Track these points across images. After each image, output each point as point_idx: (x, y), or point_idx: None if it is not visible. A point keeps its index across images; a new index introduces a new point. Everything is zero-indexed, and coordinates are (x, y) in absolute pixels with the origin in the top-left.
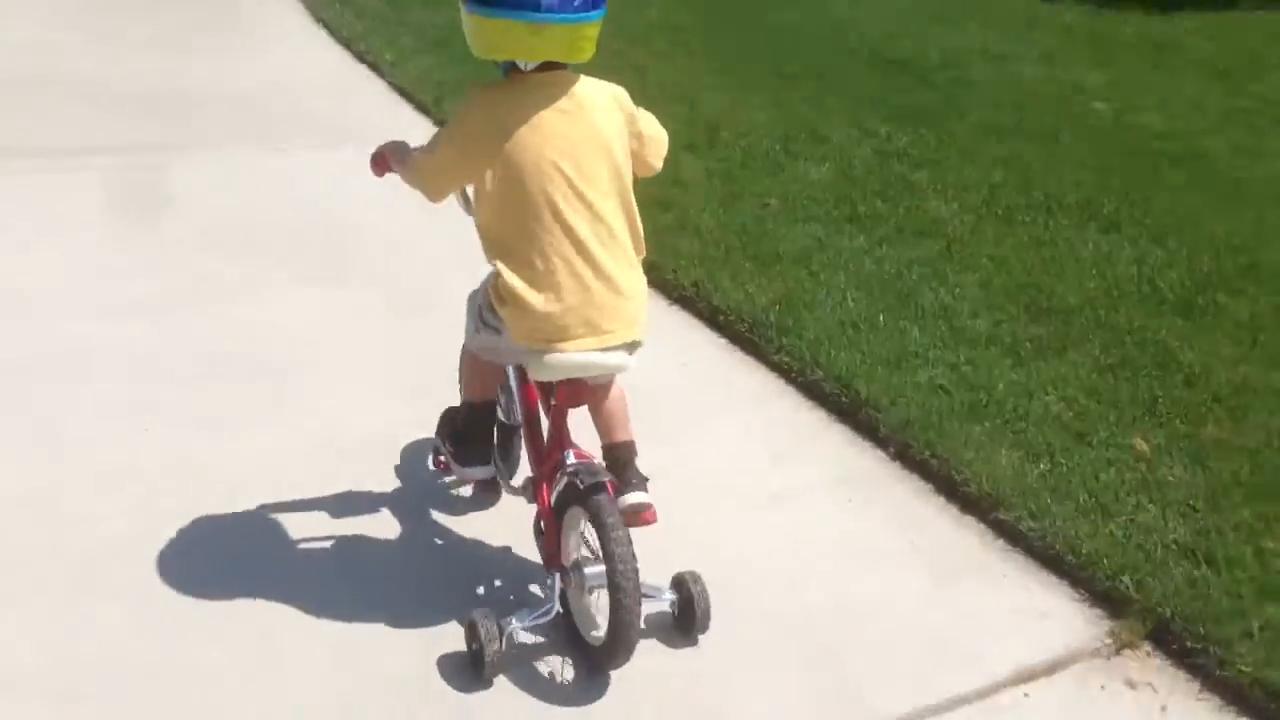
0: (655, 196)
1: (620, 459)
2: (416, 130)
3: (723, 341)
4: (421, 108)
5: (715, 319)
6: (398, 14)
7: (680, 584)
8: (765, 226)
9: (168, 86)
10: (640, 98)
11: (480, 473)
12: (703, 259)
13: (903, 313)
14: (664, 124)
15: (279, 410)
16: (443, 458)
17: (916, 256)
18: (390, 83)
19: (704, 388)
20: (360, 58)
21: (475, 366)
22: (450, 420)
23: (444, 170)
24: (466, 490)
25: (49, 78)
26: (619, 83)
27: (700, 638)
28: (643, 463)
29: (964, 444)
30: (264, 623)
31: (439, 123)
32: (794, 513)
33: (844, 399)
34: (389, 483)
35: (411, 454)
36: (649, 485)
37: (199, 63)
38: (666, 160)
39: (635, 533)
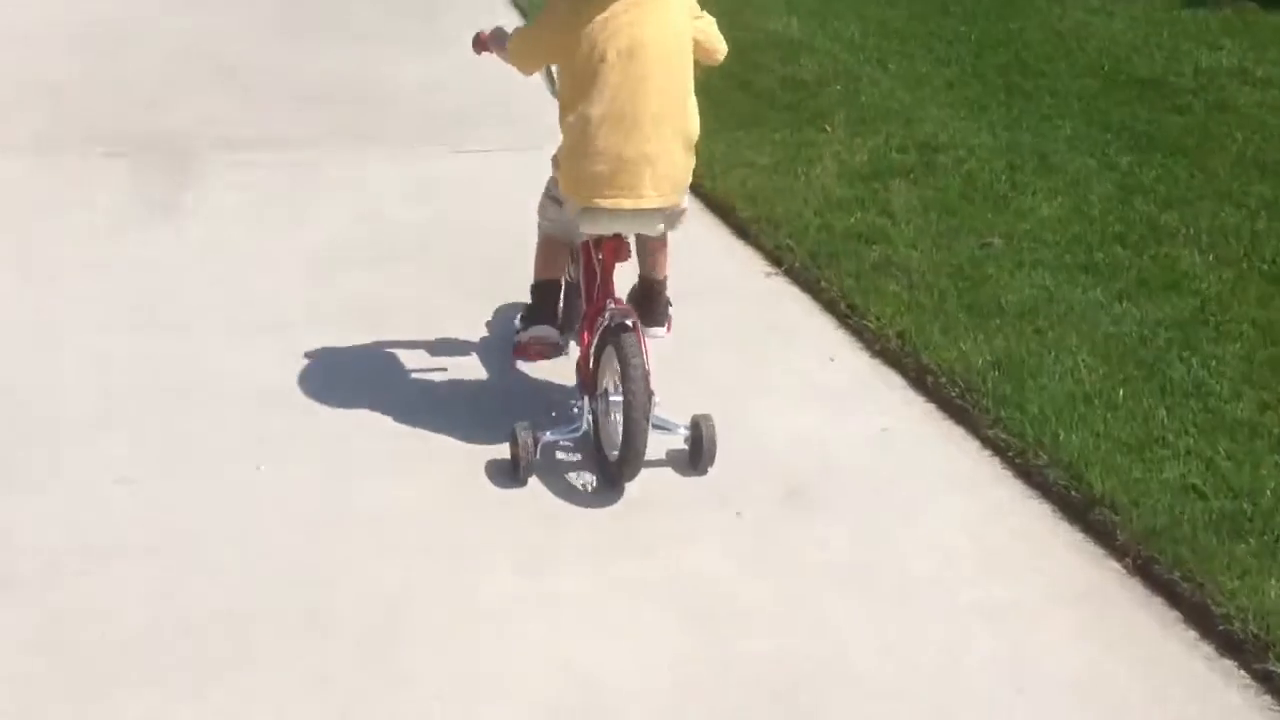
0: (860, 228)
1: (650, 291)
2: None
3: (930, 407)
4: None
5: (922, 379)
6: None
7: (695, 424)
8: (985, 270)
9: (358, 76)
10: (852, 110)
11: (542, 331)
12: (910, 306)
13: (1147, 387)
14: (875, 143)
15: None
16: (518, 325)
17: (1164, 317)
18: None
19: (904, 462)
20: None
21: (543, 249)
22: (526, 305)
23: (533, 52)
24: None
25: (240, 67)
26: (829, 91)
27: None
28: (822, 545)
29: (1223, 566)
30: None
31: None
32: (1005, 635)
33: (1073, 492)
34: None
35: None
36: (671, 313)
37: (388, 50)
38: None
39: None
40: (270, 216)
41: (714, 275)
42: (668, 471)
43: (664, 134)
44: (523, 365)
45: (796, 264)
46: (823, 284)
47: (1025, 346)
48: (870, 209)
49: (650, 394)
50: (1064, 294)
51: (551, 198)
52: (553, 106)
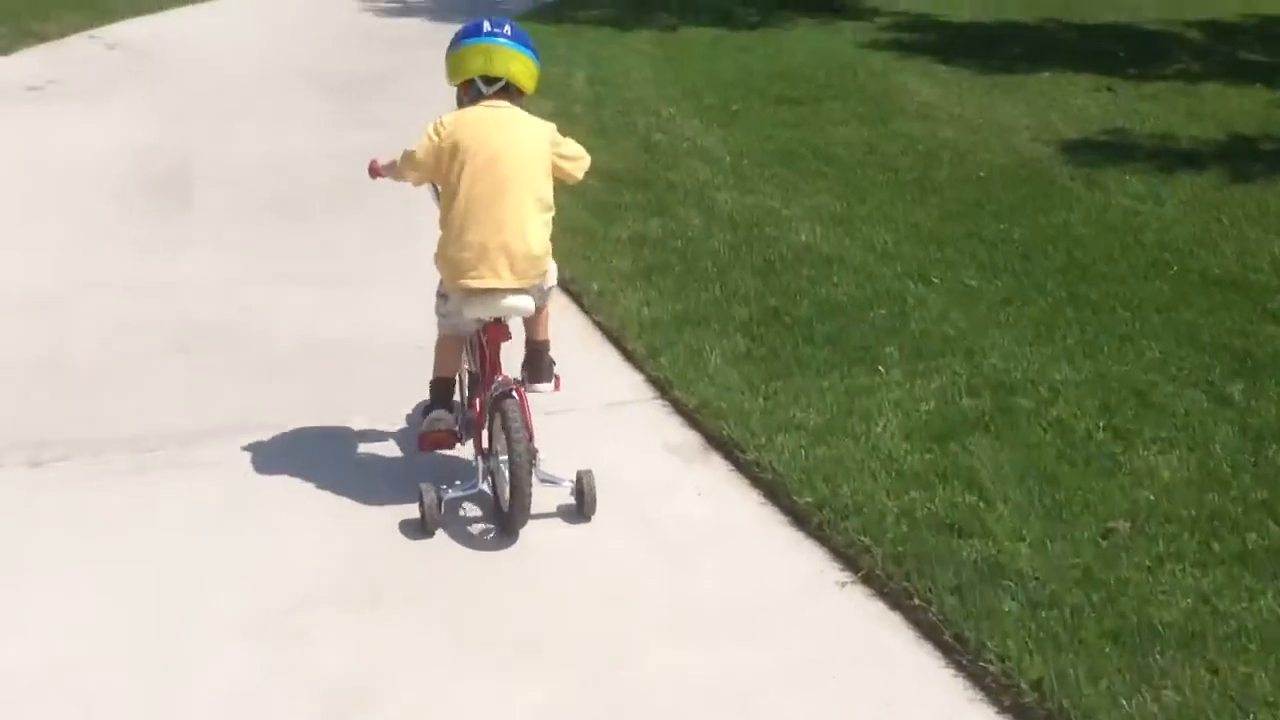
0: (947, 513)
1: (535, 352)
2: (618, 379)
3: None
4: (631, 358)
5: None
6: (605, 227)
7: (579, 477)
8: (1119, 570)
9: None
10: (903, 341)
11: (438, 413)
12: (1037, 637)
13: None
14: (939, 385)
15: None
16: (422, 429)
17: None
18: (593, 320)
19: None
20: (562, 285)
21: (440, 348)
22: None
23: (417, 167)
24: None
25: None
26: (872, 317)
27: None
28: None
29: None
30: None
31: (651, 380)
32: None
33: None
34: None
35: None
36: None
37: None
38: (934, 443)
39: None
40: None
41: (773, 589)
42: (556, 520)
43: (521, 228)
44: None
45: (877, 569)
46: (915, 600)
47: (1208, 701)
48: (953, 482)
49: (533, 452)
50: (1228, 604)
51: (440, 295)
52: None
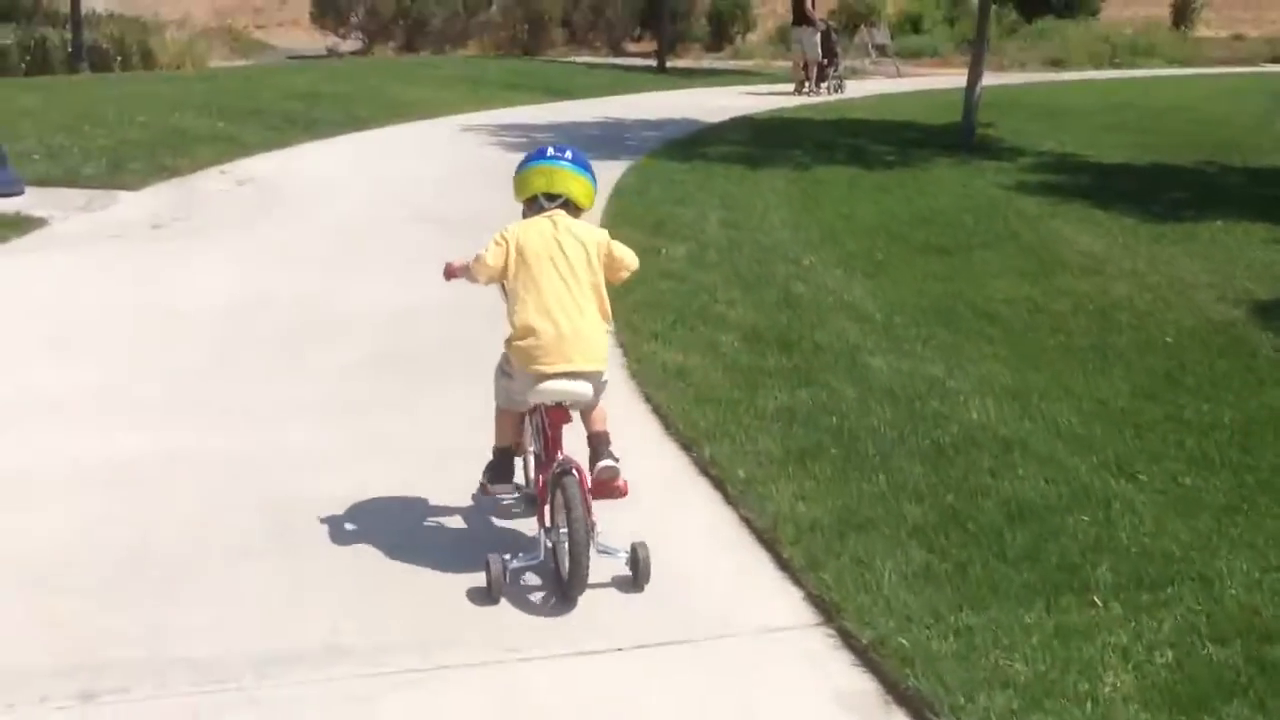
0: None
1: (597, 443)
2: (775, 597)
3: None
4: (787, 567)
5: None
6: (748, 396)
7: (633, 549)
8: None
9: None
10: (1117, 561)
11: (504, 488)
12: None
13: None
14: (1171, 626)
15: None
16: (483, 481)
17: None
18: (740, 515)
19: None
20: (702, 469)
21: (499, 419)
22: (489, 461)
23: (489, 268)
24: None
25: None
26: (1072, 525)
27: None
28: None
29: None
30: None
31: (813, 599)
32: None
33: None
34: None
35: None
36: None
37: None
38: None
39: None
40: None
41: None
42: (611, 590)
43: (581, 322)
44: (496, 514)
45: None
46: None
47: None
48: None
49: (591, 525)
50: None
51: (503, 373)
52: None
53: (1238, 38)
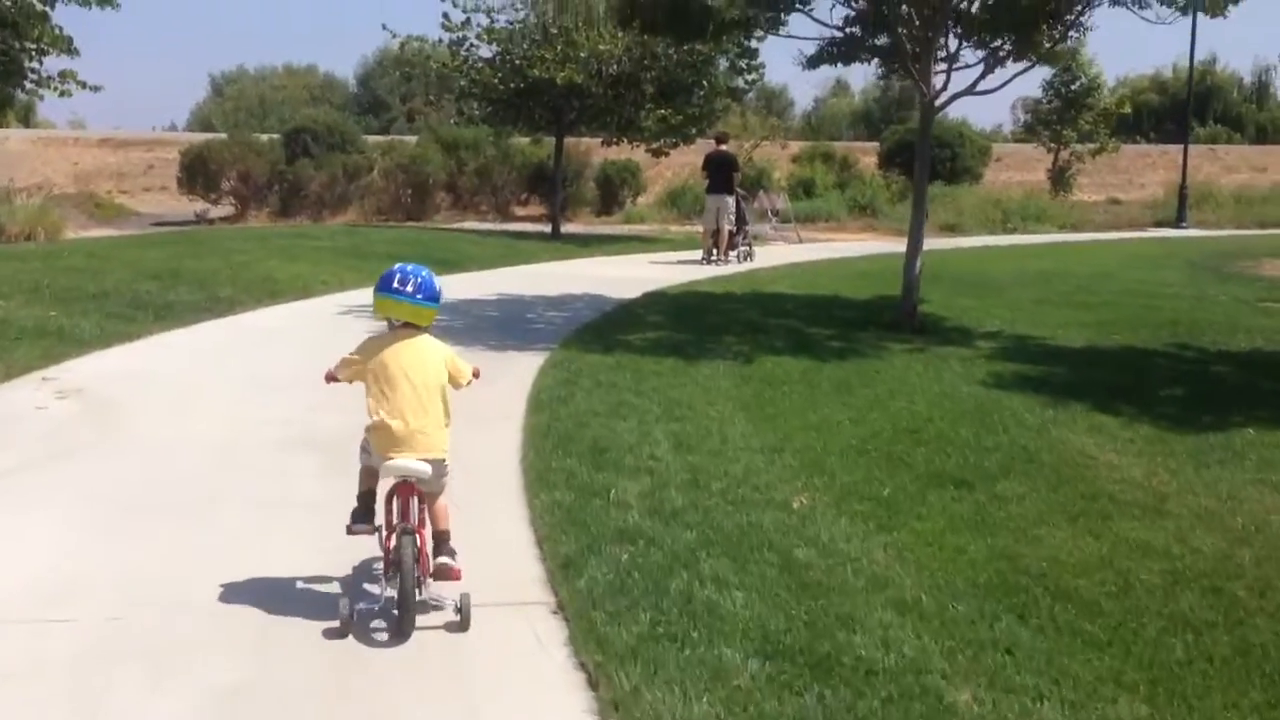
0: None
1: (439, 538)
2: None
3: None
4: None
5: None
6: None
7: (461, 597)
8: None
9: None
10: None
11: (363, 528)
12: None
13: None
14: None
15: None
16: (349, 524)
17: None
18: None
19: None
20: None
21: (362, 474)
22: (353, 508)
23: (350, 370)
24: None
25: None
26: None
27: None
28: None
29: None
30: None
31: None
32: None
33: None
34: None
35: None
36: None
37: None
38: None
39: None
40: None
41: None
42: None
43: (425, 421)
44: (351, 562)
45: None
46: None
47: None
48: None
49: (420, 579)
50: None
51: (364, 449)
52: None
53: (1114, 202)
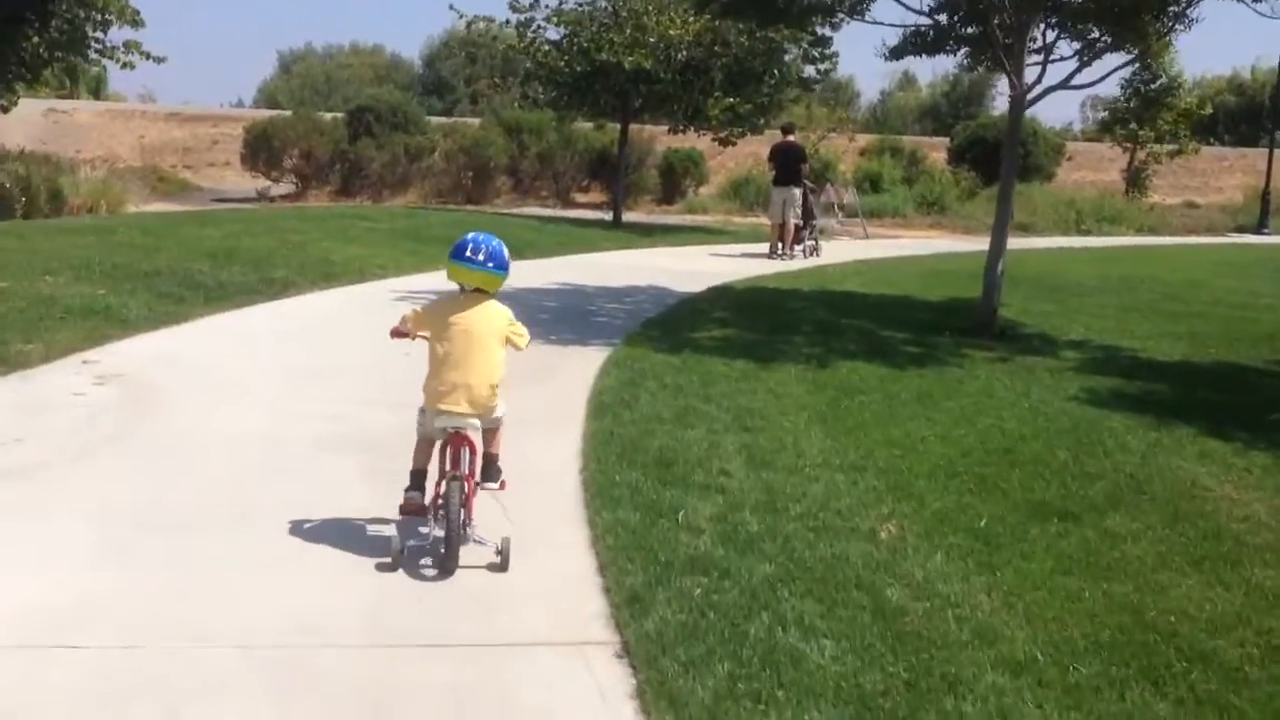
0: None
1: (486, 460)
2: None
3: None
4: None
5: None
6: None
7: (502, 540)
8: None
9: None
10: None
11: (415, 496)
12: None
13: None
14: None
15: None
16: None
17: None
18: None
19: None
20: None
21: (417, 446)
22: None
23: (417, 326)
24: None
25: None
26: None
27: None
28: None
29: None
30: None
31: None
32: None
33: None
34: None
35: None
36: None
37: None
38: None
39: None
40: None
41: None
42: (482, 571)
43: (477, 377)
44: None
45: None
46: None
47: None
48: None
49: (466, 521)
50: None
51: (421, 410)
52: None
53: (1191, 205)
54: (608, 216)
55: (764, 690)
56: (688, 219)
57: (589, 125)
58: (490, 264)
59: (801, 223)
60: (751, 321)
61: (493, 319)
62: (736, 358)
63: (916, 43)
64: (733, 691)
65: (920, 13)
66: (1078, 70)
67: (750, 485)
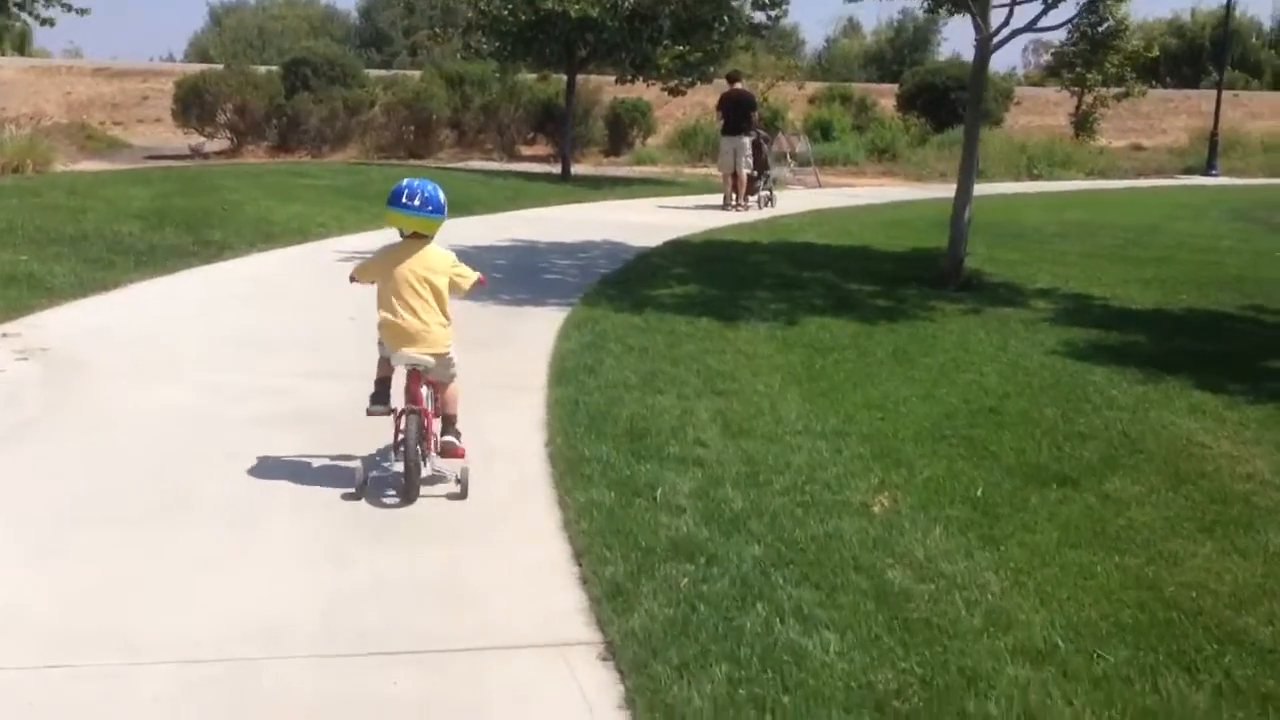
0: None
1: (447, 421)
2: None
3: None
4: None
5: None
6: None
7: (461, 470)
8: None
9: None
10: None
11: (380, 409)
12: None
13: None
14: None
15: None
16: (369, 406)
17: None
18: None
19: None
20: None
21: (379, 364)
22: (372, 392)
23: (366, 273)
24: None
25: None
26: None
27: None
28: None
29: None
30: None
31: None
32: None
33: None
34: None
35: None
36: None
37: None
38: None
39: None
40: None
41: None
42: (442, 499)
43: (426, 317)
44: (366, 440)
45: None
46: None
47: None
48: None
49: (425, 451)
50: None
51: (379, 341)
52: None
53: (1137, 148)
54: (555, 170)
55: (768, 696)
56: (637, 170)
57: (533, 77)
58: (428, 208)
59: (755, 173)
60: (712, 277)
61: (433, 262)
62: (700, 315)
63: None
64: (734, 698)
65: None
66: (1044, 12)
67: (729, 456)
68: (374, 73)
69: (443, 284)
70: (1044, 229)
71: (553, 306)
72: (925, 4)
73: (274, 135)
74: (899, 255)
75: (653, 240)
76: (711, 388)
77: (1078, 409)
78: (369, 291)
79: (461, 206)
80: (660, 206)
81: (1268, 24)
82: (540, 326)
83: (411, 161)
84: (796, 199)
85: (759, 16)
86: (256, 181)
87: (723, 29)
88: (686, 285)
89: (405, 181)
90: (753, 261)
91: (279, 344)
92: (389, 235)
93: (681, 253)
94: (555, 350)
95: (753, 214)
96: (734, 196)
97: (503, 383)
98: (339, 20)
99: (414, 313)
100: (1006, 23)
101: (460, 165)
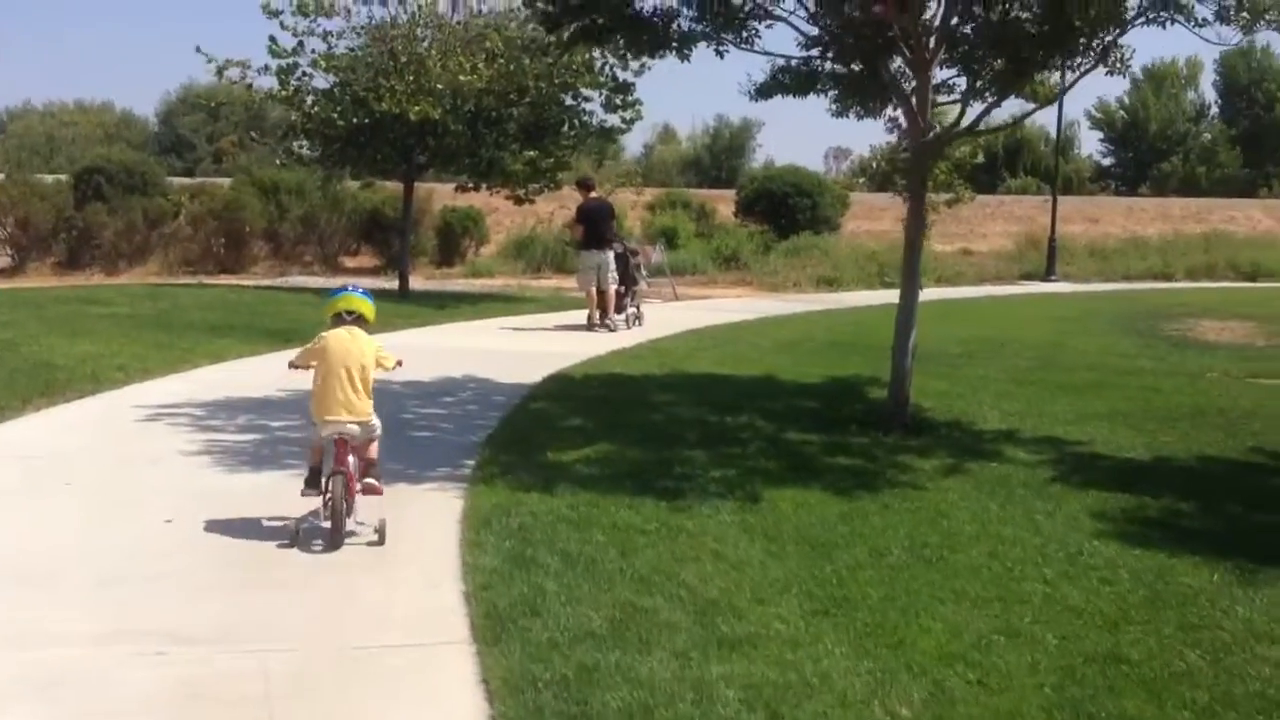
0: None
1: (368, 464)
2: None
3: None
4: None
5: None
6: None
7: (380, 522)
8: None
9: None
10: None
11: (312, 493)
12: None
13: None
14: None
15: None
16: (302, 489)
17: None
18: None
19: None
20: None
21: (311, 450)
22: (305, 476)
23: (305, 360)
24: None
25: None
26: None
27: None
28: None
29: None
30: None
31: None
32: None
33: None
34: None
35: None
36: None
37: None
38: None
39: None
40: None
41: None
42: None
43: (355, 394)
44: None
45: None
46: None
47: None
48: None
49: (348, 506)
50: None
51: (311, 422)
52: None
53: (966, 252)
54: (388, 285)
55: None
56: (476, 284)
57: (356, 184)
58: (360, 290)
59: (622, 288)
60: (622, 430)
61: (363, 343)
62: (637, 495)
63: (787, 81)
64: None
65: (820, 41)
66: (987, 111)
67: None
68: (177, 180)
69: (372, 362)
70: (946, 349)
71: (434, 484)
72: (834, 106)
73: (62, 251)
74: (817, 388)
75: (527, 375)
76: (714, 634)
77: (1218, 642)
78: (189, 483)
79: (289, 334)
80: (518, 329)
81: (1053, 133)
82: (430, 521)
83: (224, 277)
84: (662, 315)
85: (612, 120)
86: (36, 312)
87: (573, 133)
88: (596, 444)
89: (341, 286)
90: (658, 404)
91: (57, 578)
92: (212, 382)
93: (569, 395)
94: (466, 568)
95: (623, 335)
96: (600, 315)
97: (392, 641)
98: (136, 126)
99: (343, 386)
100: (958, 120)
101: (281, 283)
